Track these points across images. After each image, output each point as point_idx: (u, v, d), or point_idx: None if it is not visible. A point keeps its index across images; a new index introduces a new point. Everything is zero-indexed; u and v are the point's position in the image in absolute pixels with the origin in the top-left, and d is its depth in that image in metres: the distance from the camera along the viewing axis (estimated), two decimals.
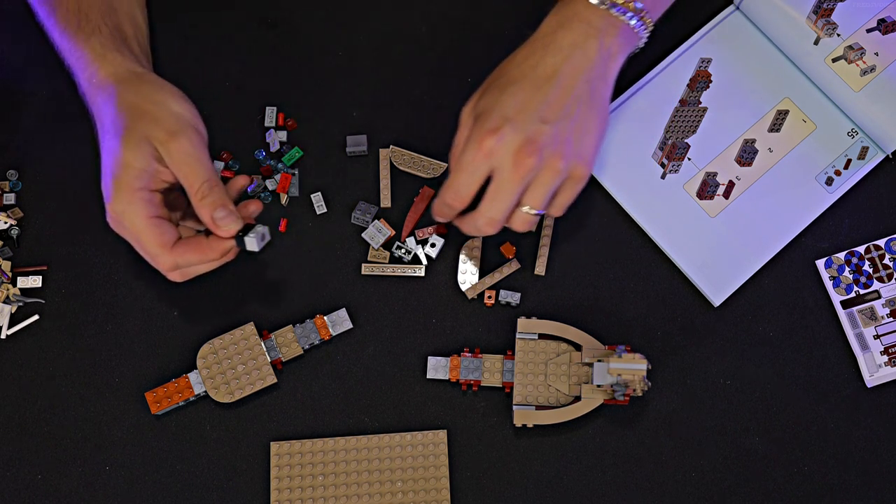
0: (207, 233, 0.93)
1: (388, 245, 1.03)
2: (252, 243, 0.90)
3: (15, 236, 1.03)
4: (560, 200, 0.93)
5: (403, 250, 1.02)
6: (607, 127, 0.94)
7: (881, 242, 1.02)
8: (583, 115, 0.91)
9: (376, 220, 1.03)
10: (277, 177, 1.05)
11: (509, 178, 0.89)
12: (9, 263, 1.02)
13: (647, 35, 0.95)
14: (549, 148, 0.89)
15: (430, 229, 1.03)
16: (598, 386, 0.96)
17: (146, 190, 0.89)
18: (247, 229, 0.91)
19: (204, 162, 0.89)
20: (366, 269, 1.02)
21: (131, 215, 0.89)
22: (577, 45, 0.91)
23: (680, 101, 1.06)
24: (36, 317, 1.02)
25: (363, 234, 1.02)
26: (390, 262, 1.02)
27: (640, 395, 0.95)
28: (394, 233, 1.03)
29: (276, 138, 1.06)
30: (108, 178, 0.89)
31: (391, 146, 1.05)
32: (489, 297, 1.01)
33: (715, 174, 1.04)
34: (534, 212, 0.92)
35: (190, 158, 0.88)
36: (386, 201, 1.04)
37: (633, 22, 0.92)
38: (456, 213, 0.94)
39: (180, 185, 0.91)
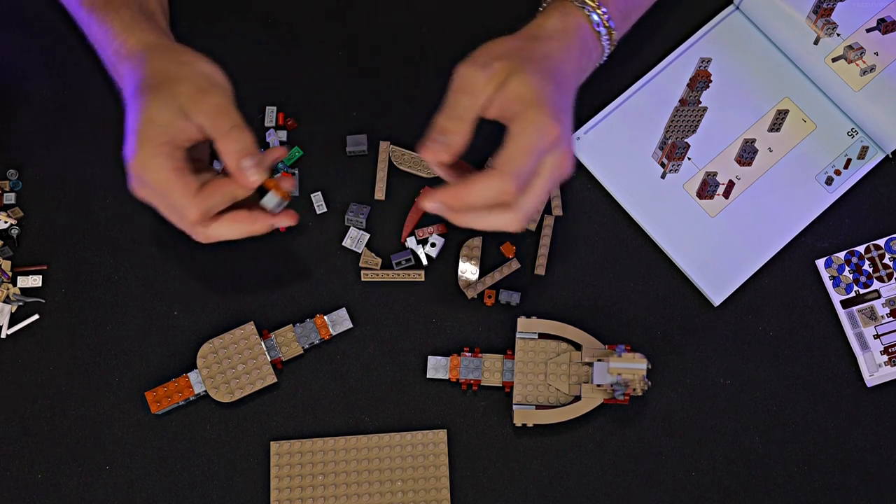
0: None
1: (388, 258, 1.03)
2: (270, 201, 0.89)
3: (15, 236, 1.03)
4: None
5: (404, 258, 1.02)
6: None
7: (881, 242, 1.02)
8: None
9: (352, 230, 1.03)
10: (277, 177, 1.04)
11: (550, 177, 0.86)
12: (9, 263, 1.02)
13: (608, 55, 0.96)
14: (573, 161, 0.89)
15: (430, 229, 1.03)
16: (598, 385, 0.96)
17: (169, 145, 0.87)
18: (263, 192, 0.89)
19: (232, 111, 0.87)
20: (365, 277, 1.02)
21: (155, 168, 0.87)
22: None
23: (680, 101, 1.06)
24: (36, 316, 1.02)
25: (343, 243, 1.03)
26: (383, 268, 1.02)
27: (640, 394, 0.95)
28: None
29: (276, 138, 1.06)
30: (132, 136, 0.88)
31: (391, 145, 1.05)
32: (489, 296, 1.01)
33: (715, 174, 1.04)
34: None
35: (219, 109, 0.87)
36: (380, 194, 1.04)
37: (602, 37, 0.94)
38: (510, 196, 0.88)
39: (202, 153, 0.90)
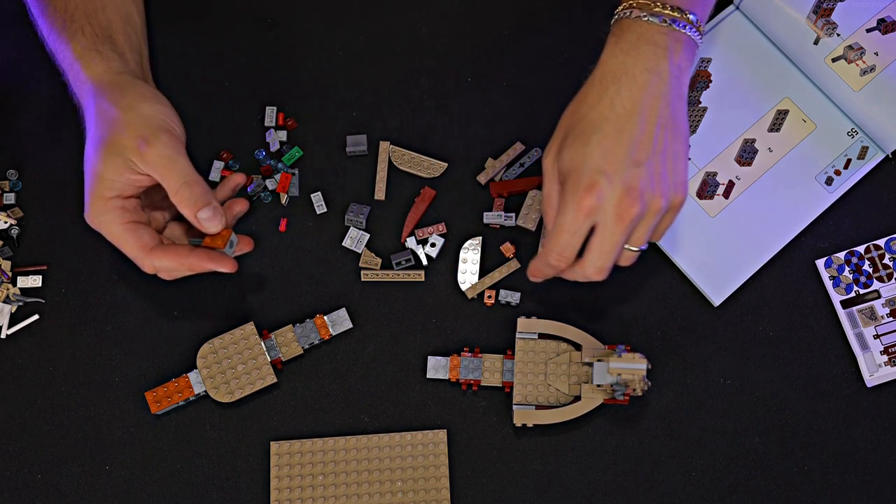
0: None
1: (388, 258, 1.03)
2: (228, 249, 0.93)
3: (15, 236, 1.03)
4: (661, 229, 0.92)
5: (404, 258, 1.02)
6: (689, 141, 0.92)
7: (881, 242, 1.02)
8: (670, 142, 0.89)
9: (352, 229, 1.03)
10: (277, 177, 1.05)
11: (614, 230, 0.88)
12: (9, 263, 1.02)
13: (701, 41, 0.93)
14: (648, 191, 0.87)
15: (430, 229, 1.03)
16: (598, 385, 0.96)
17: (120, 198, 0.91)
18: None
19: (179, 163, 0.90)
20: (365, 277, 1.02)
21: (108, 223, 0.91)
22: (650, 70, 0.88)
23: None
24: (36, 316, 1.02)
25: (343, 243, 1.03)
26: (383, 269, 1.02)
27: (639, 394, 0.95)
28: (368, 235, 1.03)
29: (276, 138, 1.06)
30: (86, 191, 0.92)
31: (391, 145, 1.05)
32: (489, 296, 1.01)
33: (715, 174, 1.04)
34: (636, 248, 0.91)
35: (165, 161, 0.89)
36: (380, 194, 1.04)
37: (691, 33, 0.91)
38: (558, 272, 0.92)
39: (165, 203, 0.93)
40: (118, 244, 0.92)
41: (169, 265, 0.92)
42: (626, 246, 0.90)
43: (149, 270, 0.93)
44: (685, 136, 0.90)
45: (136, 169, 0.89)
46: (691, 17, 0.91)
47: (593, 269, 0.90)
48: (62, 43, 0.96)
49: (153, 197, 0.96)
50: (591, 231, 0.89)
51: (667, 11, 0.90)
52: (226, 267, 0.93)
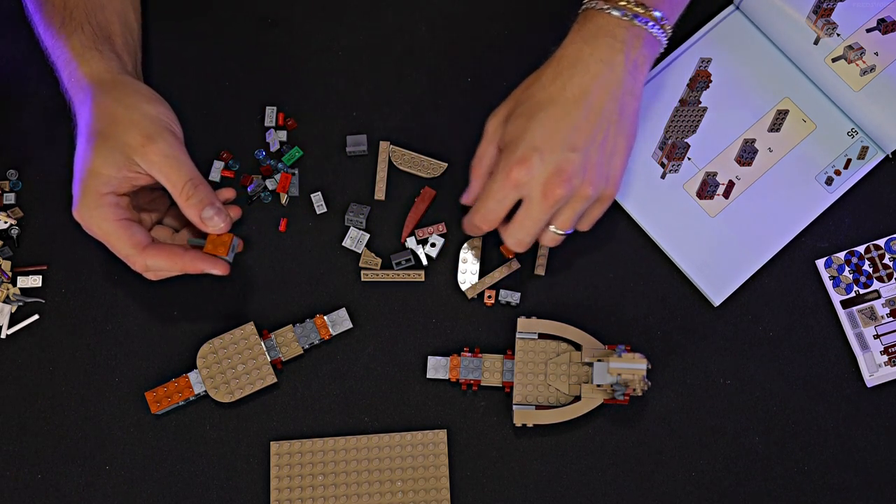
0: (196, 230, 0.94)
1: (388, 258, 1.03)
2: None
3: (15, 236, 1.03)
4: (588, 219, 0.95)
5: (404, 258, 1.02)
6: (635, 140, 0.94)
7: (881, 242, 1.02)
8: (612, 136, 0.91)
9: (353, 229, 1.03)
10: (277, 177, 1.05)
11: (538, 208, 0.91)
12: (9, 263, 1.02)
13: (667, 41, 0.95)
14: (578, 177, 0.90)
15: (430, 229, 1.03)
16: (598, 385, 0.96)
17: (113, 194, 0.91)
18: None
19: (184, 161, 0.90)
20: (365, 277, 1.02)
21: (99, 220, 0.91)
22: (604, 61, 0.90)
23: (680, 101, 1.06)
24: (36, 316, 1.02)
25: (343, 243, 1.03)
26: (383, 269, 1.02)
27: (639, 394, 0.95)
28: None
29: (276, 138, 1.06)
30: (76, 185, 0.91)
31: (391, 145, 1.05)
32: (489, 296, 1.01)
33: (715, 174, 1.04)
34: (561, 232, 0.94)
35: (169, 160, 0.89)
36: (380, 194, 1.04)
37: (654, 30, 0.92)
38: (485, 232, 0.95)
39: (161, 186, 0.92)
40: (109, 241, 0.91)
41: (163, 265, 0.92)
42: (552, 228, 0.93)
43: (139, 269, 0.93)
44: (630, 132, 0.93)
45: (134, 167, 0.89)
46: (656, 13, 0.92)
47: (513, 240, 0.94)
48: (59, 40, 0.95)
49: (140, 199, 0.96)
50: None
51: (629, 6, 0.91)
52: (219, 269, 0.93)
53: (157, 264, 0.92)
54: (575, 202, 0.92)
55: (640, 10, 0.91)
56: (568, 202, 0.91)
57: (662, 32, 0.93)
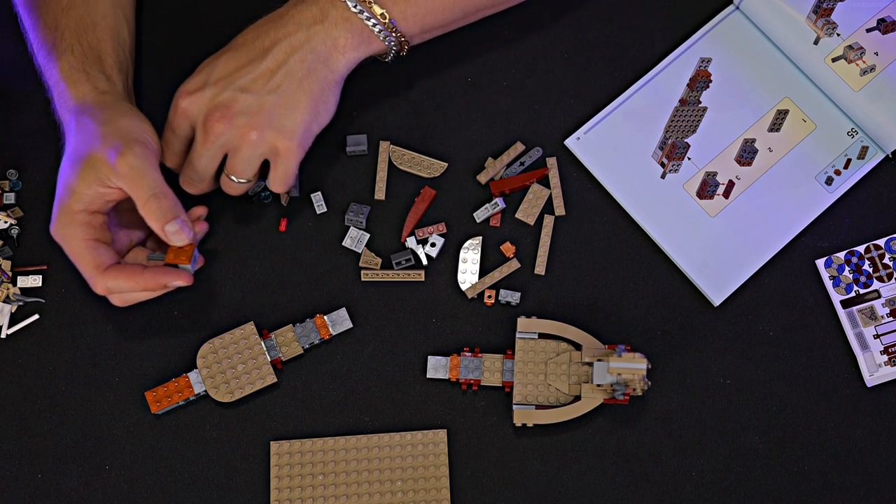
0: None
1: (388, 258, 1.03)
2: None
3: (15, 236, 1.03)
4: (274, 175, 0.96)
5: (404, 258, 1.02)
6: (325, 111, 0.95)
7: (881, 242, 1.02)
8: (292, 91, 0.93)
9: (353, 229, 1.03)
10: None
11: (200, 141, 0.93)
12: (9, 263, 1.02)
13: (393, 45, 0.96)
14: (241, 117, 0.91)
15: (430, 229, 1.03)
16: (598, 385, 0.96)
17: (87, 212, 0.91)
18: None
19: (149, 174, 0.91)
20: (365, 277, 1.02)
21: (69, 237, 0.91)
22: (301, 25, 0.93)
23: (680, 101, 1.06)
24: (36, 316, 1.02)
25: (343, 243, 1.03)
26: (383, 268, 1.02)
27: (639, 394, 0.95)
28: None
29: None
30: (55, 201, 0.92)
31: (391, 145, 1.05)
32: (489, 296, 1.01)
33: (715, 174, 1.04)
34: (241, 180, 0.95)
35: (134, 172, 0.90)
36: (380, 194, 1.04)
37: (371, 24, 0.94)
38: (175, 167, 0.97)
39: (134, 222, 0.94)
40: (75, 260, 0.92)
41: (123, 285, 0.92)
42: (229, 175, 0.94)
43: (100, 291, 0.93)
44: (317, 95, 0.94)
45: (107, 182, 0.90)
46: (378, 9, 0.94)
47: (184, 178, 0.97)
48: (50, 60, 0.97)
49: (123, 217, 0.96)
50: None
51: None
52: (182, 280, 0.94)
53: (118, 285, 0.92)
54: (243, 147, 0.92)
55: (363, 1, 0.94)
56: (234, 144, 0.92)
57: (384, 31, 0.95)
